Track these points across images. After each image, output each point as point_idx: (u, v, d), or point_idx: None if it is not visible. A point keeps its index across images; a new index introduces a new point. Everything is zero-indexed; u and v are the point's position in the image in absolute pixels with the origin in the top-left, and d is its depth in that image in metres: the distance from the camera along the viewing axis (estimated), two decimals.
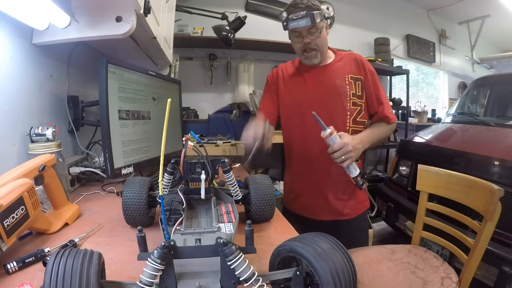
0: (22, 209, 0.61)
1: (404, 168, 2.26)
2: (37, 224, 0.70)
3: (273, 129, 1.29)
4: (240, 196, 0.80)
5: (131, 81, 1.15)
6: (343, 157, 1.01)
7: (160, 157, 0.51)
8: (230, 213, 0.73)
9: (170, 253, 0.45)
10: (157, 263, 0.43)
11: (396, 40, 3.92)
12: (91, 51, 1.43)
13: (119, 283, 0.45)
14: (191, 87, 2.93)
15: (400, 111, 3.96)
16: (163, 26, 1.43)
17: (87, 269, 0.40)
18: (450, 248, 1.12)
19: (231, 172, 0.76)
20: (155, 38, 1.26)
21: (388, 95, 3.85)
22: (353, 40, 3.57)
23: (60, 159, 0.97)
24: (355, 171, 1.05)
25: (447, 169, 1.18)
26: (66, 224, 0.81)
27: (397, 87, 4.07)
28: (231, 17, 2.22)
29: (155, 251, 0.44)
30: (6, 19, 0.86)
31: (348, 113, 1.16)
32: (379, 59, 3.48)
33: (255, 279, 0.44)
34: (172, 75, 2.35)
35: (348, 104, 1.15)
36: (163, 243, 0.44)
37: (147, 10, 1.03)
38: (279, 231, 0.82)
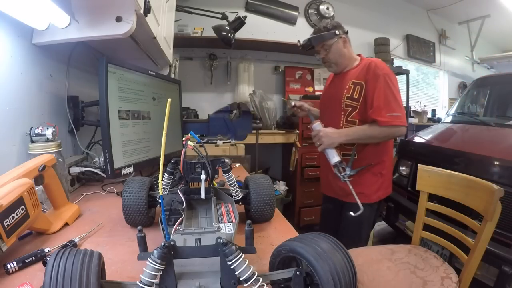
0: (22, 209, 0.61)
1: (404, 168, 2.26)
2: (37, 224, 0.70)
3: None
4: (240, 196, 0.80)
5: (131, 81, 1.15)
6: (317, 142, 1.26)
7: (160, 157, 0.51)
8: (230, 213, 0.73)
9: (170, 253, 0.45)
10: (157, 263, 0.43)
11: (396, 40, 3.92)
12: (91, 51, 1.43)
13: (119, 283, 0.45)
14: (191, 87, 2.93)
15: None
16: (163, 26, 1.43)
17: (87, 269, 0.40)
18: (450, 248, 1.12)
19: (231, 172, 0.76)
20: (155, 38, 1.26)
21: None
22: (353, 40, 3.50)
23: (60, 159, 0.97)
24: (332, 158, 1.23)
25: (447, 169, 1.18)
26: (66, 224, 0.81)
27: None
28: (231, 17, 2.22)
29: (155, 251, 0.44)
30: (6, 19, 0.86)
31: (342, 112, 1.36)
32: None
33: (255, 279, 0.44)
34: (172, 75, 2.35)
35: (343, 105, 1.35)
36: (163, 243, 0.44)
37: (147, 10, 1.03)
38: (279, 231, 0.82)
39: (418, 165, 1.27)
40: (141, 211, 0.77)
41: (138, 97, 1.20)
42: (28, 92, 1.02)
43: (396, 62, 3.85)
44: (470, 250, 1.02)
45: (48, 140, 0.96)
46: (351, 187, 1.18)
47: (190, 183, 0.70)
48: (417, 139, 2.33)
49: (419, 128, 3.41)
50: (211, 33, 2.30)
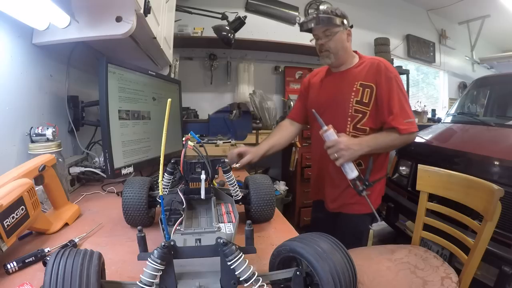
0: (22, 209, 0.61)
1: (404, 168, 2.26)
2: (37, 224, 0.70)
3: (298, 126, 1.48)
4: (240, 196, 0.80)
5: (131, 81, 1.15)
6: (335, 154, 1.08)
7: (160, 157, 0.51)
8: (230, 213, 0.73)
9: (170, 253, 0.45)
10: (157, 263, 0.43)
11: (396, 40, 3.92)
12: (91, 51, 1.43)
13: (119, 283, 0.45)
14: (191, 87, 2.93)
15: None
16: (163, 26, 1.43)
17: (87, 269, 0.40)
18: (450, 248, 1.12)
19: (231, 172, 0.76)
20: (155, 38, 1.26)
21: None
22: (353, 40, 3.53)
23: (60, 159, 0.97)
24: (351, 172, 1.09)
25: (447, 169, 1.18)
26: (66, 224, 0.81)
27: None
28: (231, 17, 2.22)
29: (155, 251, 0.44)
30: (6, 19, 0.86)
31: (349, 119, 1.20)
32: None
33: (255, 279, 0.44)
34: (172, 75, 2.35)
35: (350, 111, 1.20)
36: (163, 243, 0.44)
37: (147, 10, 1.03)
38: (279, 231, 0.82)
39: (418, 165, 1.27)
40: (141, 211, 0.77)
41: (138, 97, 1.20)
42: (28, 92, 1.02)
43: (396, 62, 3.85)
44: (470, 250, 1.02)
45: (48, 140, 0.96)
46: (368, 201, 1.09)
47: (190, 183, 0.70)
48: (417, 139, 2.33)
49: (419, 128, 3.40)
50: (211, 33, 2.30)
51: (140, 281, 0.42)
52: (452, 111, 2.60)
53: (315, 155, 1.38)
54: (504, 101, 2.32)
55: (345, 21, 1.27)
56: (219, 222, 0.66)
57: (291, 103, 1.55)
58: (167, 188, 0.76)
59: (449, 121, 2.47)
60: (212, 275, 0.49)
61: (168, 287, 0.45)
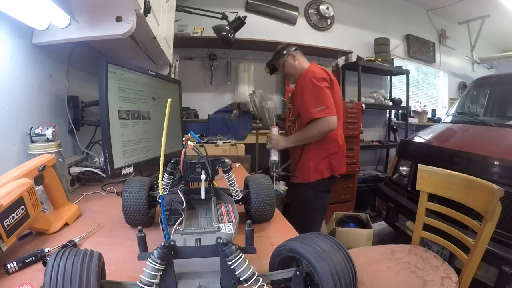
0: (22, 209, 0.61)
1: (404, 168, 2.26)
2: (37, 224, 0.70)
3: None
4: (240, 196, 0.80)
5: (131, 81, 1.15)
6: (268, 142, 1.67)
7: (160, 157, 0.51)
8: (230, 213, 0.73)
9: (170, 253, 0.45)
10: (157, 263, 0.43)
11: (396, 40, 3.92)
12: (91, 51, 1.43)
13: (119, 283, 0.45)
14: (191, 87, 2.93)
15: (400, 111, 3.96)
16: (163, 26, 1.43)
17: (87, 269, 0.40)
18: (450, 248, 1.12)
19: (231, 172, 0.75)
20: (155, 38, 1.26)
21: (388, 95, 3.85)
22: (353, 40, 3.57)
23: (60, 159, 0.97)
24: (273, 156, 1.64)
25: (447, 169, 1.18)
26: (66, 224, 0.81)
27: (397, 87, 4.08)
28: (231, 17, 2.22)
29: (155, 251, 0.44)
30: (6, 19, 0.86)
31: (287, 115, 1.79)
32: (379, 59, 3.48)
33: (255, 279, 0.44)
34: (172, 75, 2.35)
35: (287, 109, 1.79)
36: (163, 243, 0.44)
37: (147, 10, 1.03)
38: (279, 231, 0.82)
39: (418, 165, 1.27)
40: (141, 211, 0.77)
41: (138, 97, 1.20)
42: (28, 92, 1.02)
43: (396, 62, 3.86)
44: (470, 250, 1.02)
45: (48, 140, 0.95)
46: (274, 181, 1.57)
47: (190, 183, 0.70)
48: (417, 139, 2.33)
49: (419, 128, 3.41)
50: (211, 33, 2.30)
51: (140, 281, 0.42)
52: (452, 111, 2.60)
53: None
54: (504, 101, 2.32)
55: (284, 51, 1.71)
56: (219, 222, 0.66)
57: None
58: (167, 188, 0.76)
59: (449, 121, 2.47)
60: (212, 275, 0.49)
61: (168, 287, 0.45)
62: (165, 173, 0.74)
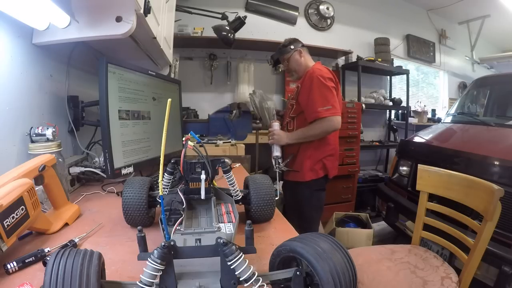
0: (22, 209, 0.61)
1: (404, 168, 2.26)
2: (37, 224, 0.70)
3: None
4: (240, 196, 0.80)
5: (131, 81, 1.15)
6: (270, 138, 1.64)
7: (160, 157, 0.51)
8: (230, 213, 0.73)
9: (170, 253, 0.45)
10: (157, 263, 0.43)
11: (396, 40, 3.92)
12: (91, 51, 1.43)
13: (119, 283, 0.45)
14: (191, 87, 2.93)
15: (400, 111, 3.96)
16: (163, 26, 1.43)
17: (87, 269, 0.40)
18: (450, 248, 1.12)
19: (231, 172, 0.75)
20: (155, 38, 1.26)
21: (388, 95, 3.85)
22: (353, 40, 3.57)
23: (60, 159, 0.97)
24: (275, 152, 1.60)
25: (447, 169, 1.18)
26: (66, 224, 0.81)
27: (397, 87, 4.08)
28: (231, 17, 2.22)
29: (155, 251, 0.44)
30: (6, 19, 0.86)
31: (288, 110, 1.73)
32: (379, 59, 3.48)
33: (255, 279, 0.44)
34: (172, 75, 2.35)
35: (289, 105, 1.73)
36: (163, 243, 0.44)
37: (147, 10, 1.03)
38: (279, 231, 0.82)
39: (418, 165, 1.27)
40: (141, 211, 0.77)
41: (138, 97, 1.20)
42: (28, 92, 1.02)
43: (396, 62, 3.86)
44: (470, 250, 1.02)
45: (48, 140, 0.95)
46: (277, 177, 1.54)
47: (190, 183, 0.70)
48: (417, 139, 2.33)
49: (419, 128, 3.41)
50: (211, 33, 2.30)
51: (140, 281, 0.42)
52: (452, 111, 2.60)
53: None
54: (504, 101, 2.32)
55: (292, 46, 1.69)
56: (219, 222, 0.66)
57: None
58: (167, 188, 0.76)
59: (449, 121, 2.47)
60: (212, 275, 0.49)
61: (168, 287, 0.45)
62: (165, 173, 0.74)
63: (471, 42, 4.53)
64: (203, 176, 0.68)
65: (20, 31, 0.95)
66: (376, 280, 1.03)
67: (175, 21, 2.01)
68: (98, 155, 1.27)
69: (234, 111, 2.61)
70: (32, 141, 0.95)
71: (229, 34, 2.12)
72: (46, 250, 0.63)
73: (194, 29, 2.74)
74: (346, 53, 3.46)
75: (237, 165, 1.74)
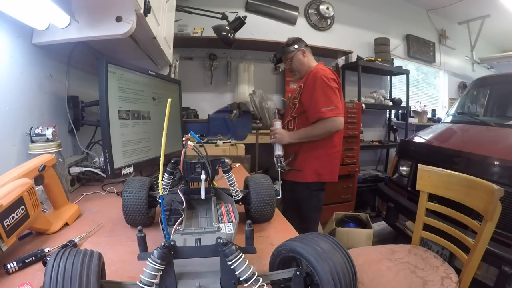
0: (22, 209, 0.61)
1: (404, 168, 2.26)
2: (37, 224, 0.70)
3: None
4: (240, 196, 0.80)
5: (131, 81, 1.15)
6: (272, 136, 1.63)
7: (160, 157, 0.51)
8: (230, 213, 0.73)
9: (170, 253, 0.45)
10: (157, 263, 0.43)
11: (396, 40, 3.92)
12: (91, 51, 1.43)
13: (119, 283, 0.45)
14: (191, 87, 2.93)
15: (400, 111, 3.96)
16: (163, 26, 1.43)
17: (87, 269, 0.40)
18: (450, 248, 1.12)
19: (231, 172, 0.75)
20: (155, 38, 1.26)
21: (388, 95, 3.85)
22: (353, 40, 3.57)
23: (60, 159, 0.97)
24: (277, 151, 1.59)
25: (447, 169, 1.18)
26: (66, 224, 0.81)
27: (397, 87, 4.08)
28: (231, 17, 2.22)
29: (155, 251, 0.44)
30: (6, 19, 0.86)
31: (290, 110, 1.72)
32: (379, 59, 3.48)
33: (255, 279, 0.44)
34: (172, 75, 2.35)
35: (292, 104, 1.73)
36: (163, 243, 0.44)
37: (147, 10, 1.03)
38: (279, 231, 0.82)
39: (418, 165, 1.27)
40: (141, 211, 0.77)
41: (138, 97, 1.20)
42: (28, 92, 1.02)
43: (396, 62, 3.86)
44: (470, 250, 1.02)
45: (48, 140, 0.95)
46: (279, 176, 1.56)
47: (190, 183, 0.70)
48: (417, 139, 2.33)
49: (419, 128, 3.41)
50: (211, 33, 2.30)
51: (140, 281, 0.42)
52: (452, 111, 2.60)
53: None
54: (504, 101, 2.32)
55: (296, 46, 1.69)
56: (219, 222, 0.66)
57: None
58: (167, 188, 0.76)
59: (449, 121, 2.47)
60: (212, 275, 0.49)
61: (168, 287, 0.45)
62: (165, 173, 0.74)
63: (471, 42, 4.53)
64: (203, 176, 0.68)
65: (20, 31, 0.95)
66: (376, 280, 1.03)
67: (175, 21, 2.01)
68: (98, 155, 1.27)
69: (234, 111, 2.61)
70: (32, 141, 0.95)
71: (229, 34, 2.12)
72: (46, 250, 0.63)
73: (194, 29, 2.74)
74: (346, 53, 3.46)
75: (237, 165, 1.74)
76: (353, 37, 3.61)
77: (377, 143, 3.60)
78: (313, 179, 1.62)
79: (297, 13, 3.32)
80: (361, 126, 2.99)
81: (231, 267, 0.44)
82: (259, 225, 0.84)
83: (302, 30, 3.36)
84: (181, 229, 0.58)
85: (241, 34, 2.41)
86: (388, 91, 3.91)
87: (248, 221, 0.53)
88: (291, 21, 3.33)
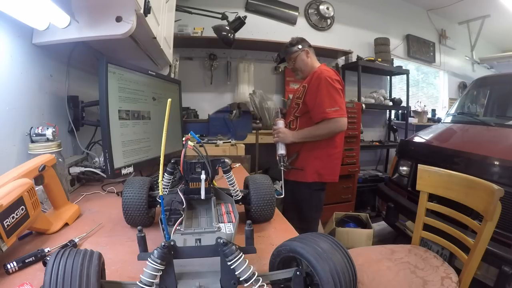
0: (22, 209, 0.61)
1: (404, 168, 2.26)
2: (37, 224, 0.70)
3: None
4: (240, 196, 0.80)
5: (131, 81, 1.15)
6: (275, 135, 1.65)
7: (160, 157, 0.51)
8: (230, 213, 0.73)
9: (170, 253, 0.45)
10: (157, 263, 0.43)
11: (396, 40, 3.92)
12: (91, 51, 1.43)
13: (119, 283, 0.45)
14: (191, 87, 2.93)
15: (400, 111, 3.96)
16: (163, 26, 1.43)
17: (87, 269, 0.40)
18: (450, 248, 1.12)
19: (231, 172, 0.75)
20: (155, 38, 1.26)
21: (388, 95, 3.85)
22: (353, 40, 3.57)
23: (60, 159, 0.97)
24: (280, 150, 1.61)
25: (447, 169, 1.18)
26: (66, 224, 0.81)
27: (397, 87, 4.08)
28: (231, 17, 2.22)
29: (155, 251, 0.44)
30: (6, 19, 0.86)
31: (293, 110, 1.70)
32: (379, 59, 3.48)
33: (255, 279, 0.44)
34: (172, 75, 2.35)
35: (293, 104, 1.72)
36: (163, 243, 0.44)
37: (147, 10, 1.03)
38: (279, 231, 0.82)
39: (418, 165, 1.27)
40: (141, 211, 0.77)
41: (138, 97, 1.20)
42: (28, 92, 1.02)
43: (396, 62, 3.86)
44: (470, 250, 1.02)
45: (48, 140, 0.95)
46: (283, 175, 1.60)
47: (190, 183, 0.70)
48: (417, 139, 2.33)
49: (419, 128, 3.41)
50: (211, 33, 2.30)
51: (140, 281, 0.42)
52: (452, 111, 2.60)
53: None
54: (504, 101, 2.32)
55: (299, 46, 1.70)
56: (219, 222, 0.66)
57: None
58: (167, 188, 0.76)
59: (449, 121, 2.47)
60: (212, 275, 0.49)
61: (168, 287, 0.45)
62: (165, 173, 0.74)
63: (471, 42, 4.53)
64: (203, 176, 0.68)
65: (20, 31, 0.95)
66: (376, 280, 1.03)
67: (175, 21, 2.01)
68: (98, 155, 1.27)
69: (234, 111, 2.61)
70: (32, 141, 0.95)
71: (229, 34, 2.12)
72: (46, 250, 0.63)
73: (194, 29, 2.74)
74: (346, 53, 3.46)
75: (237, 165, 1.74)
76: (353, 37, 3.61)
77: (377, 143, 3.60)
78: (314, 179, 1.63)
79: (297, 13, 3.32)
80: (361, 126, 2.99)
81: (231, 267, 0.44)
82: (259, 225, 0.84)
83: (302, 30, 3.36)
84: (181, 229, 0.58)
85: (241, 34, 2.42)
86: (388, 91, 3.91)
87: (248, 221, 0.53)
88: (291, 21, 3.33)
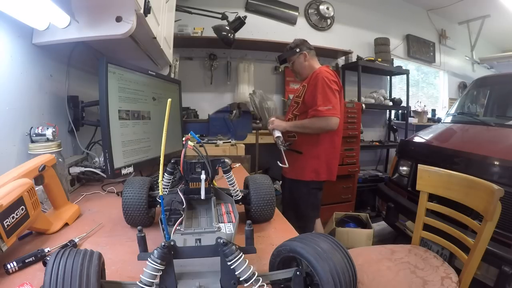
0: (22, 209, 0.61)
1: (404, 168, 2.26)
2: (37, 224, 0.70)
3: None
4: (240, 196, 0.80)
5: (131, 81, 1.15)
6: (269, 125, 1.73)
7: (160, 157, 0.51)
8: (230, 213, 0.73)
9: (170, 253, 0.45)
10: (157, 263, 0.43)
11: (396, 40, 3.92)
12: (91, 51, 1.43)
13: (119, 283, 0.45)
14: (191, 87, 2.93)
15: (400, 111, 3.96)
16: (163, 26, 1.43)
17: (87, 269, 0.40)
18: (450, 248, 1.12)
19: (231, 172, 0.75)
20: (155, 38, 1.26)
21: (388, 95, 3.85)
22: (353, 40, 3.57)
23: (60, 159, 0.97)
24: (276, 133, 1.69)
25: (447, 169, 1.18)
26: (66, 224, 0.81)
27: (397, 87, 4.08)
28: (231, 17, 2.22)
29: (155, 251, 0.44)
30: (6, 19, 0.86)
31: (292, 108, 1.80)
32: (379, 59, 3.48)
33: (255, 279, 0.44)
34: (172, 75, 2.35)
35: (292, 102, 1.82)
36: (163, 243, 0.44)
37: (147, 10, 1.03)
38: (279, 231, 0.82)
39: (418, 165, 1.27)
40: (141, 211, 0.77)
41: (138, 97, 1.20)
42: (28, 92, 1.02)
43: (396, 62, 3.86)
44: (470, 250, 1.02)
45: (48, 140, 0.95)
46: (283, 154, 1.62)
47: (190, 183, 0.70)
48: (417, 139, 2.33)
49: (419, 128, 3.41)
50: (211, 33, 2.30)
51: (140, 281, 0.42)
52: (452, 111, 2.60)
53: None
54: (504, 101, 2.32)
55: (297, 49, 1.75)
56: (219, 222, 0.66)
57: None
58: (167, 188, 0.76)
59: (449, 121, 2.47)
60: (212, 275, 0.49)
61: (168, 287, 0.45)
62: (165, 173, 0.74)
63: (471, 42, 4.53)
64: (203, 176, 0.68)
65: (20, 31, 0.95)
66: (376, 280, 1.03)
67: (175, 21, 2.01)
68: (98, 155, 1.27)
69: (234, 111, 2.61)
70: (32, 141, 0.95)
71: (229, 34, 2.12)
72: (46, 250, 0.63)
73: (194, 29, 2.74)
74: (346, 53, 3.46)
75: (237, 165, 1.74)
76: (353, 37, 3.61)
77: (377, 143, 3.60)
78: (312, 178, 1.68)
79: (297, 13, 3.32)
80: (361, 126, 2.99)
81: (231, 267, 0.44)
82: (259, 225, 0.84)
83: (302, 30, 3.36)
84: (181, 229, 0.58)
85: (241, 34, 2.42)
86: (388, 91, 3.91)
87: (248, 221, 0.53)
88: (291, 21, 3.33)
